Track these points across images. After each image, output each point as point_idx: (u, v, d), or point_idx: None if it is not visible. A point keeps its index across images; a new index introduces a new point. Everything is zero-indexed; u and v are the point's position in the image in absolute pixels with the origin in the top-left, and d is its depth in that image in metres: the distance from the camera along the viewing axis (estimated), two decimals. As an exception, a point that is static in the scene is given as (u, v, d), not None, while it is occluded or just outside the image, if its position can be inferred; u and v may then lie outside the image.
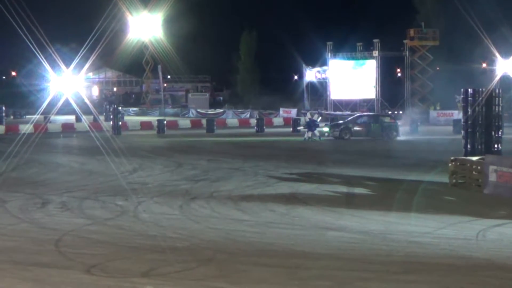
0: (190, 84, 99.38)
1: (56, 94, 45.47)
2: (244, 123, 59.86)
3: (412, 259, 12.79)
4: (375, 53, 65.52)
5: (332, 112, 64.25)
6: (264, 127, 51.29)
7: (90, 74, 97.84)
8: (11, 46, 77.65)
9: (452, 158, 22.72)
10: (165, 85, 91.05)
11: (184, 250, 13.46)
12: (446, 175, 22.88)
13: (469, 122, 24.61)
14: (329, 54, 68.54)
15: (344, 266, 12.33)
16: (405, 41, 65.92)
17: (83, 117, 50.04)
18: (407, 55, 65.97)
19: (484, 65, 67.94)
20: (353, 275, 11.68)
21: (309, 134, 41.90)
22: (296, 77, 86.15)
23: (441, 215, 17.40)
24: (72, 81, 37.18)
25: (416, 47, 66.35)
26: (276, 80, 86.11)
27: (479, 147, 24.42)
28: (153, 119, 59.68)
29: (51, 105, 44.62)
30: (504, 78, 54.49)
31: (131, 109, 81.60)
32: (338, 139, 41.35)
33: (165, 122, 51.68)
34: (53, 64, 37.37)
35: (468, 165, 22.05)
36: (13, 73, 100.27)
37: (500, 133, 24.82)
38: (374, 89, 66.15)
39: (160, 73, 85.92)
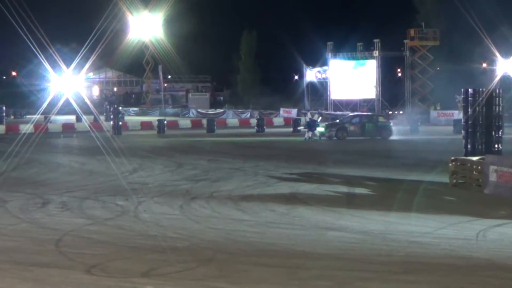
0: (190, 84, 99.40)
1: (57, 94, 45.51)
2: (244, 123, 59.86)
3: (413, 259, 12.79)
4: (376, 53, 65.55)
5: (332, 112, 64.26)
6: (265, 127, 51.28)
7: (91, 74, 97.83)
8: (11, 46, 77.66)
9: (452, 158, 22.72)
10: (165, 85, 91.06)
11: (184, 250, 13.46)
12: (446, 175, 22.87)
13: (469, 122, 24.59)
14: (330, 54, 68.58)
15: (344, 266, 12.33)
16: (405, 41, 65.96)
17: (84, 117, 50.06)
18: (408, 55, 66.00)
19: (484, 65, 67.95)
20: (353, 275, 11.68)
21: (310, 134, 41.95)
22: (296, 77, 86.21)
23: (441, 215, 17.40)
24: (73, 81, 37.23)
25: (417, 47, 66.37)
26: (277, 80, 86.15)
27: (480, 147, 24.40)
28: (153, 119, 59.69)
29: (51, 105, 44.66)
30: (505, 78, 54.49)
31: (131, 109, 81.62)
32: (332, 139, 41.46)
33: (165, 122, 51.70)
34: (54, 64, 37.42)
35: (469, 165, 22.05)
36: (14, 73, 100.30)
37: (500, 133, 24.80)
38: (374, 89, 66.18)
39: (161, 73, 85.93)
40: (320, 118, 44.42)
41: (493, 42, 48.83)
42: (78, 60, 37.78)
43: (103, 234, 15.20)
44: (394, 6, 75.21)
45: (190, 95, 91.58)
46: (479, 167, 21.39)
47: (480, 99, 24.36)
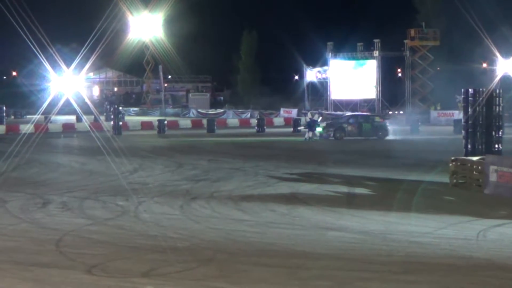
0: (190, 84, 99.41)
1: (57, 94, 45.48)
2: (244, 123, 59.87)
3: (413, 259, 12.80)
4: (376, 53, 65.56)
5: (332, 112, 64.24)
6: (265, 127, 51.30)
7: (91, 74, 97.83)
8: (11, 46, 77.70)
9: (452, 158, 22.72)
10: (165, 85, 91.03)
11: (184, 250, 13.47)
12: (446, 175, 22.88)
13: (469, 122, 24.59)
14: (330, 54, 68.59)
15: (344, 266, 12.34)
16: (405, 41, 65.97)
17: (84, 117, 50.03)
18: (408, 55, 66.02)
19: (484, 65, 67.97)
20: (353, 275, 11.69)
21: (310, 134, 41.98)
22: (296, 77, 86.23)
23: (441, 215, 17.40)
24: (73, 81, 37.21)
25: (417, 47, 66.38)
26: (277, 80, 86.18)
27: (480, 147, 24.40)
28: (153, 119, 59.69)
29: (51, 105, 44.65)
30: (505, 78, 54.50)
31: (131, 109, 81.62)
32: (329, 139, 41.54)
33: (165, 122, 51.71)
34: (54, 64, 37.42)
35: (469, 165, 22.06)
36: (14, 73, 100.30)
37: (500, 133, 24.80)
38: (374, 89, 66.19)
39: (161, 73, 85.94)
40: (321, 118, 44.42)
41: (493, 42, 48.86)
42: (78, 60, 37.78)
43: (103, 234, 15.20)
44: (394, 6, 75.27)
45: (190, 95, 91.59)
46: (479, 167, 21.40)
47: (480, 99, 24.36)
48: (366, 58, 66.91)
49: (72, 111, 55.81)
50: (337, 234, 15.23)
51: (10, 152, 29.55)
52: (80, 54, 36.75)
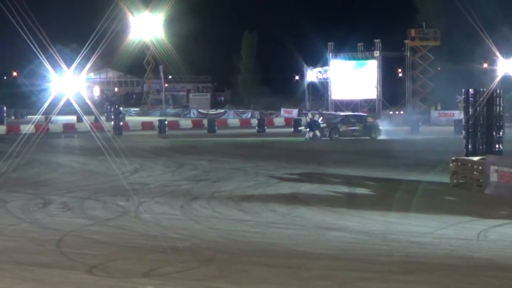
0: (191, 84, 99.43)
1: (57, 95, 45.45)
2: (245, 123, 59.87)
3: (413, 259, 12.80)
4: (376, 53, 65.56)
5: (333, 112, 64.25)
6: (265, 127, 51.30)
7: (91, 75, 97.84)
8: (12, 46, 77.74)
9: (453, 158, 22.72)
10: (166, 85, 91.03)
11: (185, 250, 13.47)
12: (447, 175, 22.88)
13: (470, 122, 24.59)
14: (330, 54, 68.59)
15: (344, 266, 12.34)
16: (406, 41, 65.99)
17: (84, 118, 50.01)
18: (408, 55, 66.03)
19: (485, 65, 67.98)
20: (353, 275, 11.69)
21: (310, 134, 42.02)
22: (297, 77, 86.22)
23: (441, 215, 17.40)
24: (73, 82, 37.18)
25: (417, 47, 66.40)
26: (277, 80, 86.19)
27: (480, 147, 24.40)
28: (154, 119, 59.70)
29: (52, 105, 44.62)
30: (505, 78, 54.54)
31: (132, 109, 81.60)
32: (322, 139, 41.67)
33: (166, 122, 51.73)
34: (54, 65, 37.40)
35: (469, 165, 22.05)
36: (14, 73, 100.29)
37: (501, 133, 24.80)
38: (375, 89, 66.20)
39: (162, 73, 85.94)
40: (321, 118, 44.47)
41: (493, 42, 48.86)
42: (79, 60, 37.75)
43: (104, 234, 15.21)
44: (395, 6, 75.36)
45: (191, 95, 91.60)
46: (480, 167, 21.39)
47: (481, 99, 24.36)
48: (367, 58, 66.91)
49: (73, 112, 55.75)
50: (338, 234, 15.24)
51: (11, 152, 29.54)
52: (80, 54, 36.72)
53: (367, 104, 67.62)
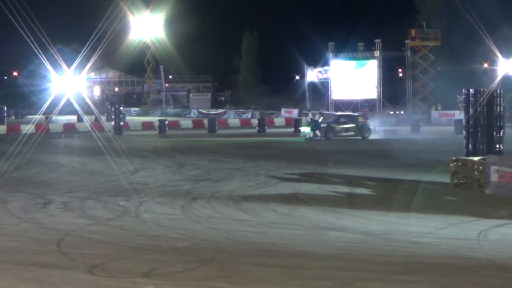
0: (191, 84, 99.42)
1: (58, 94, 45.42)
2: (245, 123, 59.87)
3: (413, 259, 12.79)
4: (377, 53, 65.54)
5: (329, 113, 64.24)
6: (266, 127, 51.31)
7: (92, 74, 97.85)
8: (12, 46, 77.76)
9: (453, 158, 22.71)
10: (166, 85, 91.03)
11: (185, 250, 13.47)
12: (447, 175, 22.87)
13: (470, 122, 24.58)
14: (331, 54, 68.56)
15: (345, 266, 12.34)
16: (406, 41, 65.95)
17: (85, 117, 50.01)
18: (409, 55, 66.00)
19: (485, 65, 67.96)
20: (354, 275, 11.69)
21: (311, 134, 42.03)
22: (297, 77, 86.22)
23: (442, 215, 17.40)
24: (74, 81, 37.15)
25: (418, 47, 66.37)
26: (278, 80, 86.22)
27: (481, 147, 24.39)
28: (154, 119, 59.69)
29: (52, 105, 44.59)
30: (506, 78, 54.52)
31: (132, 109, 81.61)
32: (315, 138, 41.73)
33: (166, 122, 51.75)
34: (55, 64, 37.37)
35: (470, 165, 22.05)
36: (15, 73, 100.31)
37: (501, 133, 24.79)
38: (375, 89, 66.16)
39: (162, 73, 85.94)
40: (321, 118, 44.52)
41: (494, 42, 48.82)
42: (79, 60, 37.71)
43: (104, 234, 15.21)
44: (395, 6, 75.40)
45: (191, 95, 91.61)
46: (480, 167, 21.39)
47: (482, 99, 24.35)
48: (367, 58, 66.89)
49: (73, 111, 55.72)
50: (338, 234, 15.24)
51: (11, 152, 29.54)
52: (81, 54, 36.69)
53: (368, 104, 67.59)
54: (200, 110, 76.04)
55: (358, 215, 17.47)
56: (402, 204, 19.04)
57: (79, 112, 50.17)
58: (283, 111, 69.53)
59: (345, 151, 34.94)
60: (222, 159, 31.03)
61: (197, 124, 57.54)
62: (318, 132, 42.28)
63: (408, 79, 67.03)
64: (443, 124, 55.91)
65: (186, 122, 59.58)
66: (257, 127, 51.75)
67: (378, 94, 66.17)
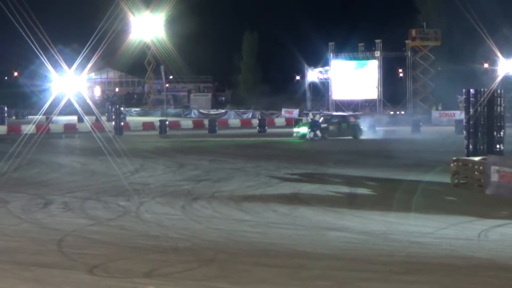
0: (192, 84, 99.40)
1: (58, 95, 45.38)
2: (246, 124, 59.86)
3: (414, 259, 12.80)
4: (377, 53, 65.55)
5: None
6: (266, 128, 51.32)
7: (92, 75, 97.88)
8: (13, 47, 77.66)
9: (454, 158, 22.72)
10: (167, 85, 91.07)
11: (185, 251, 13.47)
12: (447, 175, 22.87)
13: (471, 122, 24.58)
14: (331, 55, 68.56)
15: (345, 266, 12.35)
16: (406, 41, 65.97)
17: (85, 118, 49.94)
18: (409, 55, 66.02)
19: (486, 65, 67.93)
20: (354, 275, 11.70)
21: (311, 134, 42.05)
22: (298, 78, 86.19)
23: (442, 215, 17.40)
24: (74, 82, 37.13)
25: (418, 47, 66.38)
26: (278, 80, 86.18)
27: (481, 147, 24.39)
28: (155, 119, 59.68)
29: (53, 105, 44.54)
30: (506, 78, 54.51)
31: (133, 109, 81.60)
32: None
33: (167, 122, 51.75)
34: (55, 65, 37.32)
35: (470, 165, 22.05)
36: (15, 74, 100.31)
37: (502, 133, 24.79)
38: (376, 90, 66.17)
39: (163, 74, 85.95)
40: (322, 118, 44.54)
41: (494, 42, 48.78)
42: (79, 60, 37.67)
43: (104, 234, 15.22)
44: (395, 6, 75.37)
45: (192, 95, 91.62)
46: (481, 168, 21.39)
47: (482, 99, 24.35)
48: (368, 58, 66.90)
49: (74, 112, 55.61)
50: (338, 234, 15.24)
51: (12, 152, 29.53)
52: (81, 54, 36.67)
53: (368, 104, 67.60)
54: (201, 110, 76.05)
55: (358, 215, 17.47)
56: (402, 204, 19.05)
57: (80, 113, 50.13)
58: (283, 111, 69.52)
59: (345, 151, 34.93)
60: (223, 159, 31.04)
61: (198, 124, 57.54)
62: (318, 132, 42.29)
63: (408, 79, 67.05)
64: (444, 124, 55.90)
65: (186, 122, 59.58)
66: (257, 127, 51.75)
67: (378, 94, 66.18)
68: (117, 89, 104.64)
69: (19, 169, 27.46)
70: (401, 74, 79.07)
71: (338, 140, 41.39)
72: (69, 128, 52.54)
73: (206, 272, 11.91)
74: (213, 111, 75.81)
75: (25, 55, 67.44)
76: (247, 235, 15.16)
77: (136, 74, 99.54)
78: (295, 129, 44.50)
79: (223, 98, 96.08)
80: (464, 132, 25.29)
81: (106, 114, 64.46)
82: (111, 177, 24.94)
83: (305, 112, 64.22)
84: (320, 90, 73.77)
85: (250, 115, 69.60)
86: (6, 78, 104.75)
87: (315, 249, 13.70)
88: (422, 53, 66.29)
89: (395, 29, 65.88)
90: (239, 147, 38.07)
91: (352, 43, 67.88)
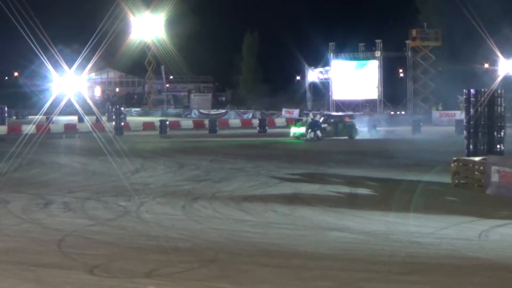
0: (192, 84, 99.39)
1: (59, 95, 45.43)
2: (246, 124, 59.86)
3: (414, 259, 12.80)
4: (377, 53, 65.57)
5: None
6: (267, 128, 51.32)
7: (93, 75, 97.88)
8: (13, 47, 77.66)
9: (454, 158, 22.72)
10: (167, 85, 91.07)
11: (186, 251, 13.48)
12: (448, 175, 22.87)
13: (471, 122, 24.59)
14: (331, 55, 68.57)
15: (346, 266, 12.34)
16: (407, 42, 65.99)
17: (86, 118, 50.01)
18: (409, 55, 66.03)
19: (486, 65, 67.93)
20: (355, 275, 11.70)
21: (312, 134, 42.05)
22: (298, 78, 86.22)
23: (443, 216, 17.40)
24: (75, 82, 37.17)
25: (418, 48, 66.38)
26: (278, 80, 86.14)
27: (482, 147, 24.40)
28: (155, 119, 59.67)
29: (53, 105, 44.59)
30: (507, 78, 54.51)
31: (133, 109, 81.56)
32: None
33: (167, 122, 51.74)
34: (56, 65, 37.35)
35: (471, 165, 22.05)
36: (16, 74, 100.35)
37: (502, 133, 24.81)
38: (376, 90, 66.18)
39: (163, 74, 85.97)
40: (322, 118, 44.55)
41: (495, 42, 48.80)
42: (80, 60, 37.69)
43: (105, 234, 15.22)
44: (396, 6, 75.30)
45: (192, 95, 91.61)
46: (481, 168, 21.39)
47: (482, 99, 24.36)
48: (368, 59, 66.91)
49: (74, 112, 55.73)
50: (339, 234, 15.24)
51: (12, 152, 29.54)
52: (81, 54, 36.68)
53: (368, 104, 67.60)
54: (201, 111, 76.04)
55: (359, 215, 17.47)
56: (403, 204, 19.04)
57: (80, 113, 50.18)
58: (284, 111, 69.49)
59: (346, 151, 34.92)
60: (223, 159, 31.04)
61: (198, 125, 57.54)
62: (319, 133, 42.28)
63: (408, 79, 67.06)
64: (444, 124, 55.88)
65: (187, 123, 59.58)
66: (258, 128, 51.74)
67: (379, 95, 66.20)
68: (117, 89, 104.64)
69: (20, 169, 27.46)
70: (401, 74, 79.05)
71: (337, 140, 41.42)
72: (70, 128, 52.54)
73: (207, 272, 11.91)
74: (213, 111, 75.79)
75: (25, 55, 67.46)
76: (247, 235, 15.15)
77: (136, 74, 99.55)
78: (292, 129, 44.51)
79: (224, 98, 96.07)
80: (465, 132, 25.30)
81: (107, 114, 64.45)
82: (111, 177, 24.93)
83: (305, 112, 64.21)
84: (321, 90, 73.78)
85: (250, 115, 69.58)
86: (6, 78, 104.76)
87: (316, 249, 13.70)
88: (423, 53, 66.29)
89: (395, 29, 65.87)
90: (240, 147, 38.07)
91: (352, 43, 67.88)
